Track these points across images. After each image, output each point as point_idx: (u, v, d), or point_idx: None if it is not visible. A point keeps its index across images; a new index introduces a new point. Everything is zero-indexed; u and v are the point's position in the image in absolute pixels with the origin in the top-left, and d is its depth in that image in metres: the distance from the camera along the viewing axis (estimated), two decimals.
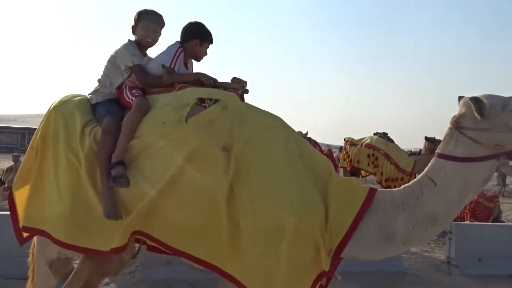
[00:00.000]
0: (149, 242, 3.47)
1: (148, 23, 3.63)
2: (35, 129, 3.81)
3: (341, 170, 13.14)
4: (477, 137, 2.94)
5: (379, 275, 6.93)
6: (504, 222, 11.29)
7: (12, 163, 16.09)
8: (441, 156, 3.08)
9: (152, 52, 3.82)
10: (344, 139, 13.75)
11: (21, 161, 4.54)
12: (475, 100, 2.91)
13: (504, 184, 23.62)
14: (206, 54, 3.74)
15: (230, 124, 3.20)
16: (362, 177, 13.39)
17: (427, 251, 8.89)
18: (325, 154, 3.68)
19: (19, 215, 3.58)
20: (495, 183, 25.93)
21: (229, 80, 3.51)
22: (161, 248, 3.33)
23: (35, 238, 3.68)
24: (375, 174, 12.56)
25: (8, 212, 3.70)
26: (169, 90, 3.43)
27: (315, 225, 3.03)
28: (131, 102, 3.43)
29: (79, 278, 3.69)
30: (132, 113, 3.34)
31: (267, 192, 3.05)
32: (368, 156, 12.60)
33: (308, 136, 12.21)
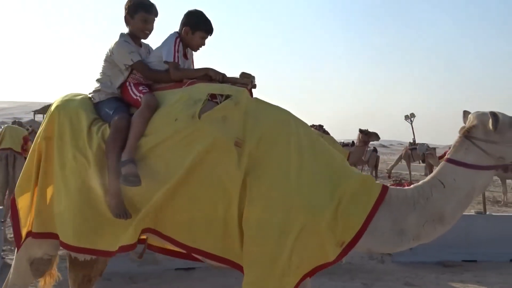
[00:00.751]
0: (153, 242, 3.58)
1: (147, 15, 3.56)
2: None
3: None
4: (486, 148, 3.28)
5: None
6: None
7: None
8: (451, 161, 3.37)
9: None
10: None
11: None
12: (494, 115, 3.23)
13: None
14: (202, 44, 3.68)
15: (243, 120, 3.26)
16: None
17: None
18: None
19: (28, 221, 3.50)
20: (423, 174, 27.01)
21: (237, 75, 3.53)
22: (172, 245, 3.36)
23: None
24: None
25: None
26: (177, 86, 3.43)
27: (321, 222, 3.14)
28: (139, 99, 3.38)
29: (72, 285, 3.82)
30: (142, 110, 3.30)
31: (277, 188, 3.15)
32: None
33: (324, 128, 12.27)
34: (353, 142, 13.29)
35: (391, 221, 3.32)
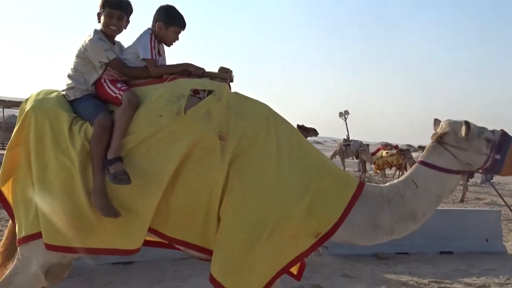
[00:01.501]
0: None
1: (112, 10, 3.47)
2: None
3: None
4: (457, 154, 3.52)
5: None
6: None
7: None
8: (424, 163, 3.59)
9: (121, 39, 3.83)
10: None
11: None
12: (467, 124, 3.47)
13: (364, 170, 25.34)
14: (175, 39, 3.63)
15: (225, 114, 3.31)
16: None
17: None
18: None
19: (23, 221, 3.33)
20: (356, 169, 27.73)
21: (214, 70, 3.54)
22: (153, 236, 3.36)
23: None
24: None
25: None
26: (156, 82, 3.41)
27: (295, 216, 3.27)
28: (119, 97, 3.32)
29: None
30: (124, 108, 3.24)
31: (256, 181, 3.25)
32: None
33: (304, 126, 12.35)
34: None
35: (367, 215, 3.49)
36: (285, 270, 3.38)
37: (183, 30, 3.63)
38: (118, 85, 3.42)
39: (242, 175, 3.25)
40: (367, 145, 27.01)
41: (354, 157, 27.63)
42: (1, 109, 34.73)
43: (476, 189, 21.76)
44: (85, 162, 3.19)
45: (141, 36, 3.55)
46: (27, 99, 3.48)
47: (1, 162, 3.41)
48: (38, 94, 3.49)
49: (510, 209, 4.50)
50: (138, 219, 3.20)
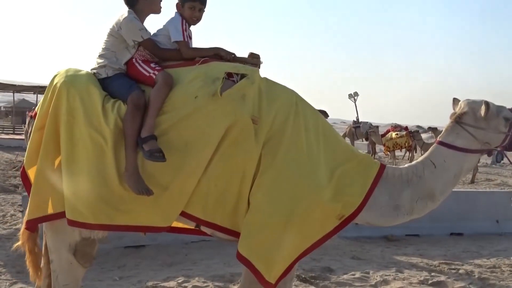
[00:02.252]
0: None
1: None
2: None
3: None
4: (475, 133, 3.56)
5: None
6: None
7: None
8: (442, 143, 3.64)
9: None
10: None
11: None
12: (487, 103, 3.52)
13: (374, 152, 25.29)
14: (194, 15, 3.60)
15: (258, 99, 3.38)
16: None
17: None
18: None
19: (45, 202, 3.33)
20: (366, 151, 27.66)
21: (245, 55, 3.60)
22: (188, 220, 3.37)
23: (44, 224, 3.40)
24: None
25: None
26: (187, 64, 3.44)
27: (324, 197, 3.35)
28: (153, 76, 3.35)
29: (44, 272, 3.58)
30: (160, 87, 3.27)
31: (288, 163, 3.32)
32: None
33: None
34: None
35: (387, 196, 3.57)
36: (308, 251, 3.44)
37: (202, 5, 3.60)
38: (152, 65, 3.45)
39: (273, 158, 3.31)
40: (377, 126, 26.93)
41: (363, 139, 27.57)
42: (11, 94, 34.94)
43: (486, 170, 21.70)
44: (117, 140, 3.19)
45: (172, 19, 3.58)
46: (55, 75, 3.47)
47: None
48: (68, 71, 3.47)
49: None
50: (173, 197, 3.23)
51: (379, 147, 26.05)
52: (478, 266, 6.66)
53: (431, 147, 3.77)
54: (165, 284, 5.38)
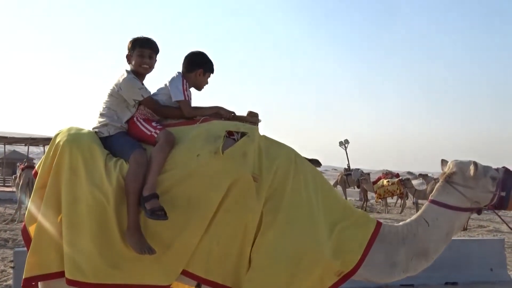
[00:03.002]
0: None
1: (143, 49, 3.58)
2: None
3: None
4: (465, 192, 3.71)
5: None
6: None
7: None
8: (434, 202, 3.79)
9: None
10: None
11: None
12: (475, 163, 3.68)
13: (365, 200, 25.31)
14: (207, 83, 3.79)
15: (257, 156, 3.44)
16: None
17: None
18: None
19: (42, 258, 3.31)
20: (358, 199, 27.64)
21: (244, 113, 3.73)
22: (189, 279, 3.36)
23: (39, 284, 3.37)
24: None
25: None
26: (188, 123, 3.52)
27: (324, 255, 3.42)
28: (154, 135, 3.40)
29: None
30: (162, 145, 3.31)
31: (289, 224, 3.36)
32: None
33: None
34: None
35: (385, 254, 3.67)
36: None
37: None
38: (153, 124, 3.52)
39: (275, 215, 3.35)
40: (368, 174, 26.98)
41: (355, 187, 27.59)
42: (1, 145, 34.73)
43: (478, 216, 21.66)
44: (119, 198, 3.20)
45: (173, 78, 3.68)
46: (57, 134, 3.52)
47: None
48: (70, 129, 3.52)
49: None
50: (175, 255, 3.23)
51: (370, 194, 26.04)
52: None
53: (424, 205, 3.89)
54: None
